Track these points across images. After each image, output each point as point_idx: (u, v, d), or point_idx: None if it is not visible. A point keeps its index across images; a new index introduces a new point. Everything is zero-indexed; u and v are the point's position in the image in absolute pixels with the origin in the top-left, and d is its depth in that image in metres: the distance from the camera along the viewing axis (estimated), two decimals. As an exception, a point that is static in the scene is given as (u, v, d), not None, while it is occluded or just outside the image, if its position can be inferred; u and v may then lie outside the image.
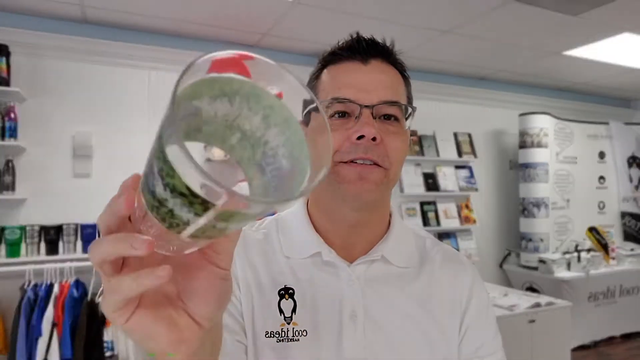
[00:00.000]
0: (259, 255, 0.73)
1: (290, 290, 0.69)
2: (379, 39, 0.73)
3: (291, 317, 0.68)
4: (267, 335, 0.67)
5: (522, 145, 4.53)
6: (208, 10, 2.95)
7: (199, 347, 0.40)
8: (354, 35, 0.72)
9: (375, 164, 0.66)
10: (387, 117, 0.68)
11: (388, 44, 0.73)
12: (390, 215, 0.78)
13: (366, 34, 0.73)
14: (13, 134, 2.81)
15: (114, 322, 0.37)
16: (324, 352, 0.67)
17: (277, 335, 0.67)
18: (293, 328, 0.67)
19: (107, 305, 0.36)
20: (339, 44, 0.73)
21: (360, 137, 0.65)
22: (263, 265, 0.72)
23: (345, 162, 0.66)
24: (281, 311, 0.68)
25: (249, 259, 0.72)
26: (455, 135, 4.44)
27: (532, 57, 4.02)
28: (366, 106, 0.66)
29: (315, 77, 0.74)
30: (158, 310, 0.38)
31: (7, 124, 2.80)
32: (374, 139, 0.65)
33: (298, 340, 0.67)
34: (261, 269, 0.72)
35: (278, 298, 0.69)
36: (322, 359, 0.67)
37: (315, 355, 0.67)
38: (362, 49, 0.70)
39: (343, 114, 0.68)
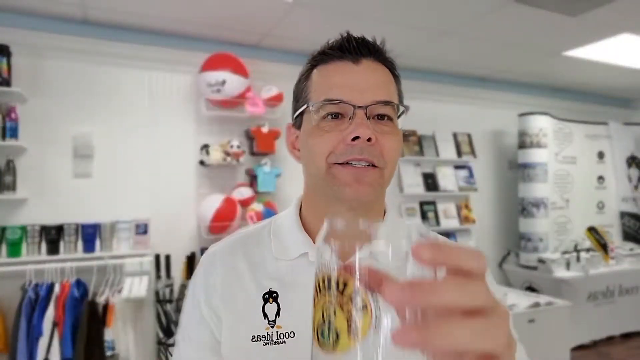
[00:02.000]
0: (246, 260, 0.74)
1: (275, 294, 0.70)
2: (370, 38, 0.72)
3: (275, 320, 0.68)
4: (253, 340, 0.67)
5: (522, 145, 4.54)
6: (209, 11, 2.96)
7: None
8: (344, 35, 0.71)
9: (371, 164, 0.66)
10: (381, 117, 0.68)
11: (379, 42, 0.72)
12: (384, 213, 0.77)
13: (364, 34, 0.72)
14: (14, 134, 2.81)
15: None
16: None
17: (263, 339, 0.67)
18: (277, 331, 0.67)
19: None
20: (329, 43, 0.72)
21: (355, 138, 0.65)
22: (249, 270, 0.72)
23: (341, 164, 0.66)
24: (265, 315, 0.68)
25: (233, 266, 0.73)
26: (455, 135, 4.45)
27: (531, 58, 4.03)
28: (360, 107, 0.65)
29: (305, 77, 0.73)
30: None
31: (8, 124, 2.80)
32: (369, 139, 0.64)
33: (284, 342, 0.67)
34: (246, 274, 0.72)
35: (262, 302, 0.69)
36: None
37: (303, 357, 0.66)
38: (353, 48, 0.69)
39: (336, 115, 0.67)
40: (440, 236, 0.82)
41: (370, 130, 0.65)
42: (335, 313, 0.36)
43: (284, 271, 0.71)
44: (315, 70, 0.72)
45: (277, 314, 0.68)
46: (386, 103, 0.68)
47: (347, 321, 0.36)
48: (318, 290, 0.38)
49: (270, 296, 0.69)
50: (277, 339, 0.67)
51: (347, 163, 0.65)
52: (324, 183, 0.68)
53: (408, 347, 0.30)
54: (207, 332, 0.71)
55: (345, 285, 0.36)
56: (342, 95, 0.66)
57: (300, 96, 0.74)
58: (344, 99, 0.66)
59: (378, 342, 0.35)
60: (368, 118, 0.66)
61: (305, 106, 0.70)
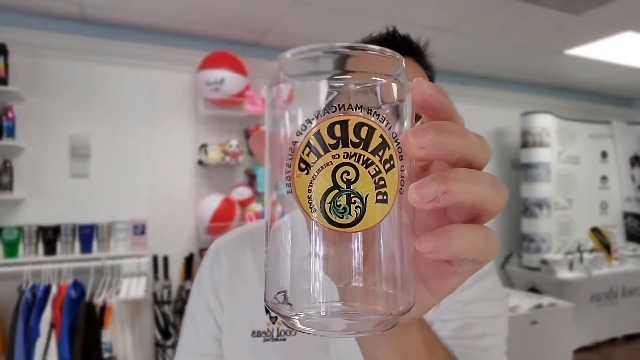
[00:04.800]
0: (252, 254, 0.73)
1: None
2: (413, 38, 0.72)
3: (276, 317, 0.67)
4: (253, 335, 0.67)
5: (524, 144, 4.51)
6: (207, 9, 2.93)
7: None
8: (390, 29, 0.70)
9: None
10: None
11: (422, 44, 0.72)
12: None
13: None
14: (11, 133, 2.80)
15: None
16: (312, 352, 0.66)
17: (263, 335, 0.67)
18: (277, 328, 0.67)
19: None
20: (372, 36, 0.71)
21: None
22: (254, 264, 0.72)
23: None
24: (267, 311, 0.68)
25: (239, 260, 0.73)
26: (457, 134, 4.42)
27: (533, 56, 4.00)
28: None
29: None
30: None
31: (5, 124, 2.78)
32: None
33: (284, 340, 0.66)
34: (251, 268, 0.72)
35: None
36: (309, 359, 0.66)
37: (302, 355, 0.66)
38: (397, 44, 0.68)
39: None
40: None
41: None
42: (358, 174, 0.26)
43: None
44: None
45: None
46: None
47: (374, 183, 0.26)
48: (310, 148, 0.26)
49: None
50: (278, 335, 0.67)
51: None
52: None
53: (426, 201, 0.26)
54: (213, 323, 0.72)
55: (359, 131, 0.26)
56: None
57: None
58: None
59: (408, 207, 0.27)
60: None
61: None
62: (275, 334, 0.67)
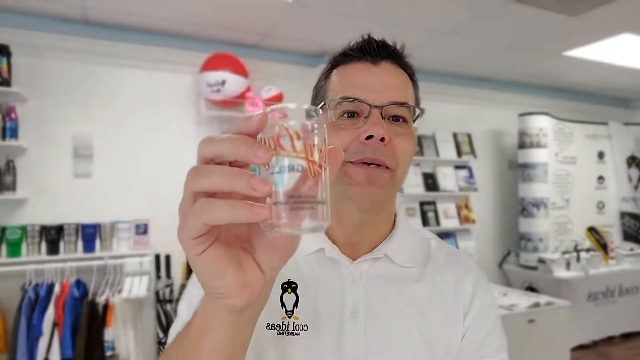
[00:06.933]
0: None
1: (294, 285, 0.70)
2: (389, 41, 0.73)
3: (292, 311, 0.68)
4: (268, 327, 0.67)
5: (522, 145, 4.54)
6: (209, 11, 2.96)
7: (257, 296, 0.42)
8: (365, 37, 0.73)
9: (383, 165, 0.67)
10: (396, 118, 0.69)
11: (399, 47, 0.74)
12: (395, 216, 0.79)
13: (364, 35, 0.74)
14: (14, 134, 2.82)
15: (189, 251, 0.38)
16: (324, 348, 0.67)
17: (277, 328, 0.67)
18: (294, 322, 0.67)
19: (188, 230, 0.37)
20: (350, 45, 0.74)
21: (369, 137, 0.66)
22: None
23: (353, 163, 0.67)
24: (283, 304, 0.68)
25: None
26: (455, 135, 4.45)
27: (531, 58, 4.03)
28: (376, 106, 0.67)
29: (325, 77, 0.75)
30: (230, 249, 0.39)
31: (8, 124, 2.80)
32: (382, 139, 0.65)
33: (298, 334, 0.67)
34: None
35: (281, 291, 0.69)
36: (321, 355, 0.67)
37: (315, 351, 0.67)
38: (373, 51, 0.70)
39: (352, 114, 0.68)
40: (442, 241, 0.82)
41: (385, 130, 0.66)
42: None
43: (302, 265, 0.72)
44: (334, 71, 0.74)
45: (295, 304, 0.68)
46: (402, 104, 0.69)
47: None
48: None
49: (289, 286, 0.69)
50: (293, 329, 0.67)
51: (360, 162, 0.66)
52: (336, 180, 0.68)
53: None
54: None
55: None
56: (359, 94, 0.68)
57: (318, 95, 0.75)
58: (360, 97, 0.67)
59: None
60: (383, 118, 0.67)
61: (322, 103, 0.72)
62: (290, 328, 0.67)
